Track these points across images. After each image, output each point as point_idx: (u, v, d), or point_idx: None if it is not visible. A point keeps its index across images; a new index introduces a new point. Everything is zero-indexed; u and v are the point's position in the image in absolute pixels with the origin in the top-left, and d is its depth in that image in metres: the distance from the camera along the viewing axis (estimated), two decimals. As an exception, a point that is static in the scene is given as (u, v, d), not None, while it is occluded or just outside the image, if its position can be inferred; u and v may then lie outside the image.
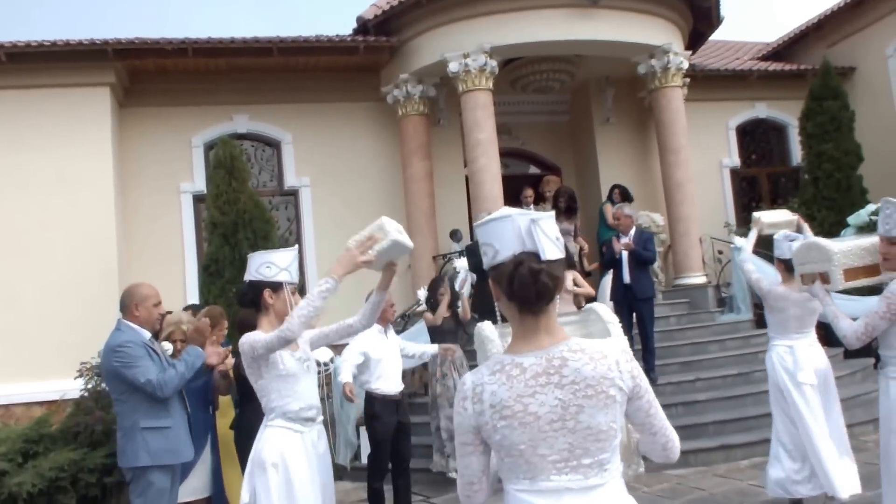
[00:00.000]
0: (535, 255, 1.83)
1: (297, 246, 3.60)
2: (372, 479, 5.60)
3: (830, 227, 10.38)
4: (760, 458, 6.67)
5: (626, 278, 7.90)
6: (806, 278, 3.89)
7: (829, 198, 10.62)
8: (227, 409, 5.52)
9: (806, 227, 5.70)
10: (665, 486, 6.09)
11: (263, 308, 3.42)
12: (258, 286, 3.41)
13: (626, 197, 10.58)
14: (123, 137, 9.87)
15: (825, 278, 3.69)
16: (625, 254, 7.91)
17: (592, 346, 1.85)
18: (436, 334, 6.83)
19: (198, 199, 10.07)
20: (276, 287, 3.41)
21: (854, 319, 3.61)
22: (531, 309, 1.85)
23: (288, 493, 3.25)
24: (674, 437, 1.97)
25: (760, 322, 9.72)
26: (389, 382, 5.68)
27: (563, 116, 12.66)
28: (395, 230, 3.26)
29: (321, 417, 3.54)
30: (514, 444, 1.81)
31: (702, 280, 10.31)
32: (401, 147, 10.57)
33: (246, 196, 8.02)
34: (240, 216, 7.83)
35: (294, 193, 10.62)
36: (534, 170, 13.00)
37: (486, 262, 1.92)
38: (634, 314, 7.88)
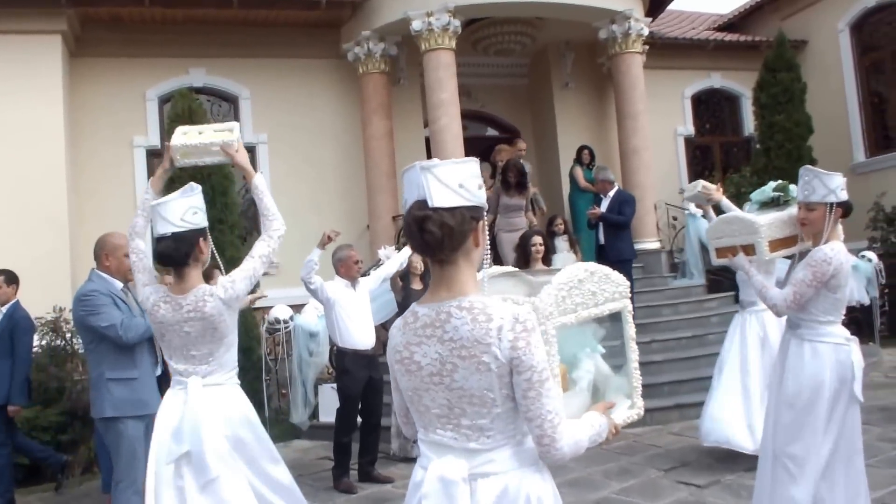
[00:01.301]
0: (424, 203, 1.74)
1: (198, 186, 3.13)
2: (340, 434, 5.55)
3: (780, 196, 10.61)
4: (713, 416, 6.88)
5: (601, 240, 7.93)
6: (722, 252, 3.91)
7: (780, 167, 10.76)
8: None
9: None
10: (622, 444, 6.18)
11: (194, 260, 2.99)
12: (191, 237, 2.96)
13: (592, 158, 10.63)
14: (75, 88, 9.37)
15: (749, 250, 3.73)
16: (607, 203, 7.89)
17: (484, 307, 1.74)
18: (401, 306, 6.43)
19: (151, 154, 9.70)
20: (205, 234, 3.05)
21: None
22: (434, 258, 1.79)
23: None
24: (555, 435, 1.74)
25: (712, 287, 9.95)
26: (360, 336, 5.61)
27: (523, 80, 12.55)
28: (180, 135, 3.33)
29: None
30: (405, 388, 1.85)
31: (656, 245, 10.43)
32: (361, 106, 10.34)
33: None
34: (198, 170, 7.53)
35: (251, 150, 10.28)
36: (492, 132, 12.92)
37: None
38: None
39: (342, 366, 5.60)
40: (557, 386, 1.85)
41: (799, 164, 10.66)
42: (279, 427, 7.43)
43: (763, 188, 5.52)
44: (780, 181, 4.41)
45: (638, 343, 7.98)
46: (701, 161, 13.10)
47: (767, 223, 3.73)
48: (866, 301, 9.43)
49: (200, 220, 3.01)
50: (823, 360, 3.33)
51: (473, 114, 12.25)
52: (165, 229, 2.93)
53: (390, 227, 9.94)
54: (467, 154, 9.69)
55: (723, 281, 10.01)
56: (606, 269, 2.23)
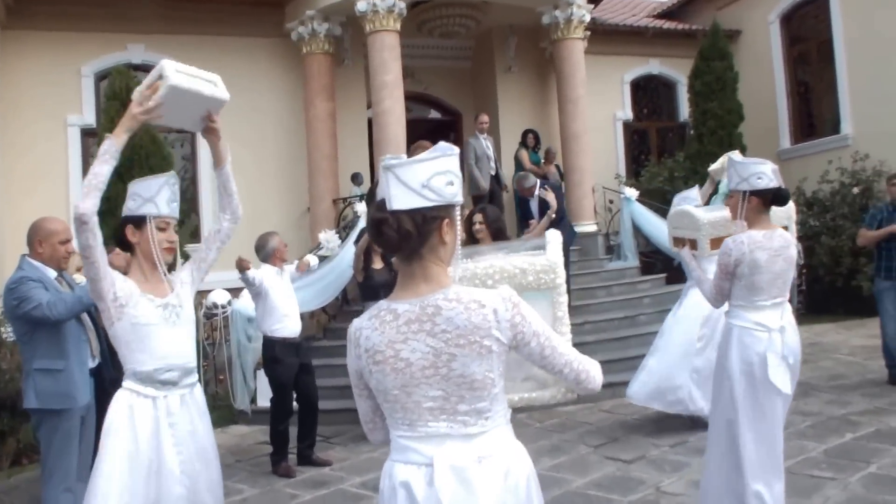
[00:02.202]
0: (383, 205, 1.75)
1: (172, 172, 2.92)
2: (276, 422, 5.56)
3: (712, 181, 10.94)
4: (643, 395, 7.12)
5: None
6: (677, 242, 4.03)
7: (712, 153, 11.02)
8: None
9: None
10: (555, 421, 6.37)
11: (129, 248, 2.82)
12: (121, 223, 2.80)
13: (537, 141, 10.76)
14: (5, 63, 8.99)
15: (694, 245, 3.83)
16: (535, 205, 7.94)
17: (470, 294, 1.79)
18: (368, 290, 6.28)
19: (86, 133, 9.39)
20: (140, 222, 2.76)
21: None
22: (401, 256, 1.80)
23: (123, 469, 2.61)
24: (588, 368, 1.88)
25: (645, 269, 10.22)
26: (289, 324, 5.60)
27: (467, 63, 12.57)
28: (175, 72, 2.60)
29: (191, 380, 2.88)
30: (388, 389, 1.80)
31: (593, 228, 10.63)
32: (304, 86, 10.22)
33: (142, 131, 7.51)
34: (136, 152, 7.33)
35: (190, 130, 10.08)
36: (436, 114, 12.94)
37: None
38: None
39: (272, 355, 5.58)
40: (556, 333, 1.91)
41: (730, 150, 11.14)
42: (217, 412, 7.35)
43: (686, 192, 5.75)
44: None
45: (572, 325, 8.20)
46: (638, 145, 13.38)
47: (711, 221, 3.85)
48: (784, 280, 9.85)
49: (137, 206, 2.79)
50: (731, 341, 3.49)
51: (417, 96, 12.23)
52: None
53: (331, 211, 9.92)
54: (409, 137, 9.73)
55: (655, 263, 10.32)
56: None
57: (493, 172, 9.86)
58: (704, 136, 11.22)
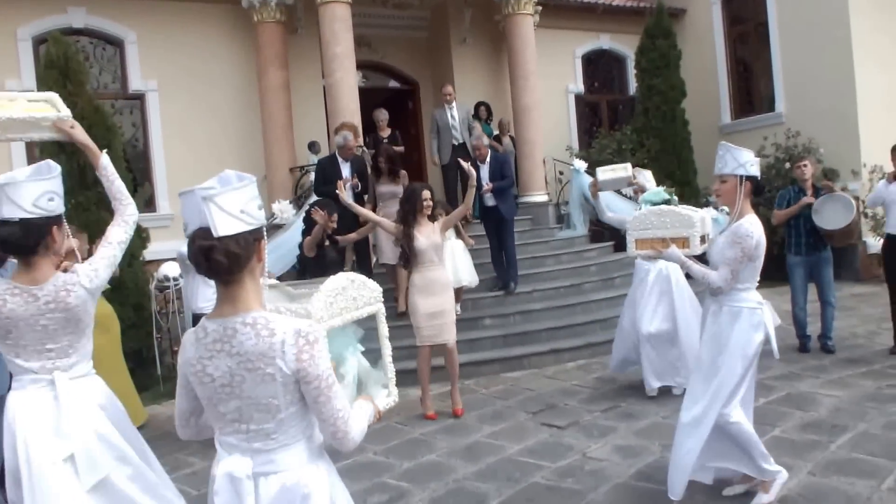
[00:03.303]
0: (208, 232, 1.79)
1: (58, 167, 2.72)
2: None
3: (657, 153, 11.06)
4: (585, 360, 7.26)
5: (489, 201, 8.00)
6: (643, 244, 3.99)
7: (657, 127, 11.24)
8: (111, 323, 5.20)
9: (643, 174, 6.03)
10: (500, 388, 6.46)
11: (44, 248, 2.61)
12: (43, 225, 2.57)
13: (489, 112, 10.69)
14: (-63, 24, 8.51)
15: (683, 243, 3.84)
16: (485, 178, 7.92)
17: (267, 322, 1.83)
18: (318, 268, 5.94)
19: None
20: (60, 221, 2.65)
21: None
22: (221, 280, 1.85)
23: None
24: (347, 429, 1.90)
25: (595, 237, 10.31)
26: (213, 300, 5.56)
27: (423, 33, 12.39)
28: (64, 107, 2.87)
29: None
30: (201, 397, 1.92)
31: (543, 199, 10.69)
32: (256, 55, 9.95)
33: (84, 101, 7.17)
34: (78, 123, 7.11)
35: (140, 97, 9.76)
36: (394, 84, 12.77)
37: (186, 236, 1.89)
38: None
39: None
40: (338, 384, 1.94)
41: (673, 125, 11.27)
42: (172, 383, 7.30)
43: (657, 190, 5.80)
44: (670, 188, 4.59)
45: (520, 293, 8.40)
46: (589, 118, 13.42)
47: (701, 218, 3.89)
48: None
49: (56, 206, 2.62)
50: (742, 322, 3.56)
51: (375, 65, 12.07)
52: (13, 214, 2.52)
53: (287, 180, 9.78)
54: (365, 105, 9.61)
55: (604, 232, 10.42)
56: (363, 278, 2.40)
57: (455, 143, 9.71)
58: (650, 111, 11.31)
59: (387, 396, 2.43)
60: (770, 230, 10.53)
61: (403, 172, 7.97)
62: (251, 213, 1.84)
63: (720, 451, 3.71)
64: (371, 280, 2.42)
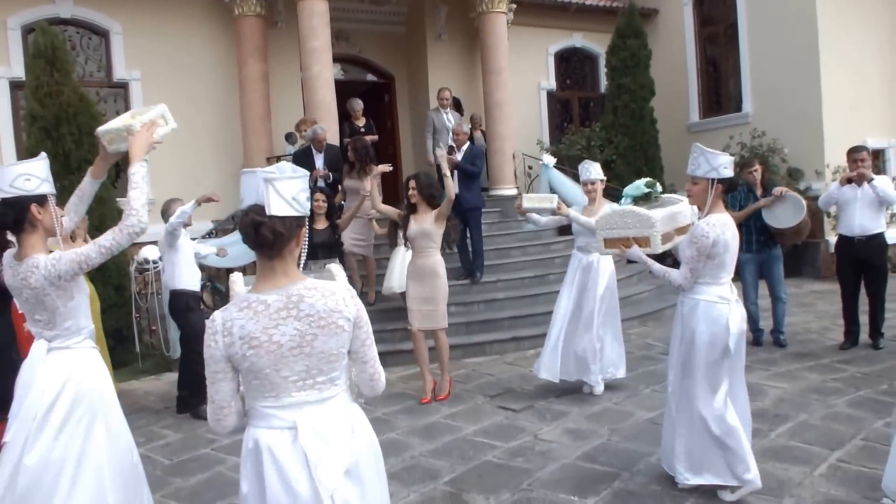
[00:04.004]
0: (262, 209, 2.01)
1: (43, 153, 2.94)
2: (199, 367, 5.71)
3: (625, 150, 11.31)
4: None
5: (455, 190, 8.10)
6: (611, 243, 4.05)
7: (625, 125, 11.49)
8: (91, 301, 5.33)
9: (593, 167, 6.16)
10: (461, 372, 6.67)
11: (30, 226, 2.80)
12: (21, 203, 2.76)
13: (458, 107, 10.81)
14: (-73, 13, 8.61)
15: (645, 243, 3.90)
16: (459, 157, 8.05)
17: (324, 285, 2.08)
18: (307, 249, 6.39)
19: (16, 86, 9.08)
20: (42, 200, 2.82)
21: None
22: (267, 254, 2.04)
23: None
24: (381, 372, 2.24)
25: (561, 230, 10.48)
26: (195, 279, 6.00)
27: (400, 28, 12.53)
28: (172, 120, 3.15)
29: None
30: (261, 368, 2.01)
31: (513, 192, 10.88)
32: (237, 48, 10.08)
33: (69, 89, 7.34)
34: (62, 110, 7.23)
35: (124, 86, 9.87)
36: (371, 77, 12.92)
37: (241, 209, 2.10)
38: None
39: (185, 305, 5.87)
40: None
41: (641, 123, 11.51)
42: (150, 360, 7.51)
43: (637, 183, 5.87)
44: (649, 179, 4.66)
45: (485, 282, 8.52)
46: (561, 114, 13.63)
47: (661, 218, 4.01)
48: (685, 247, 10.34)
49: (34, 186, 2.79)
50: (698, 315, 3.69)
51: (352, 59, 12.21)
52: None
53: (264, 168, 9.90)
54: (342, 96, 9.75)
55: (570, 224, 10.63)
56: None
57: (452, 143, 9.79)
58: (619, 109, 11.56)
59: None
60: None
61: (376, 169, 8.00)
62: (300, 202, 2.06)
63: (701, 461, 3.74)
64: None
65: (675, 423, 3.83)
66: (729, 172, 3.65)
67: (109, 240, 2.80)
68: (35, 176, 2.83)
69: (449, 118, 9.78)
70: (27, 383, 2.79)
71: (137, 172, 2.85)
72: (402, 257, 7.08)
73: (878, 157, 11.68)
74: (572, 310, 5.82)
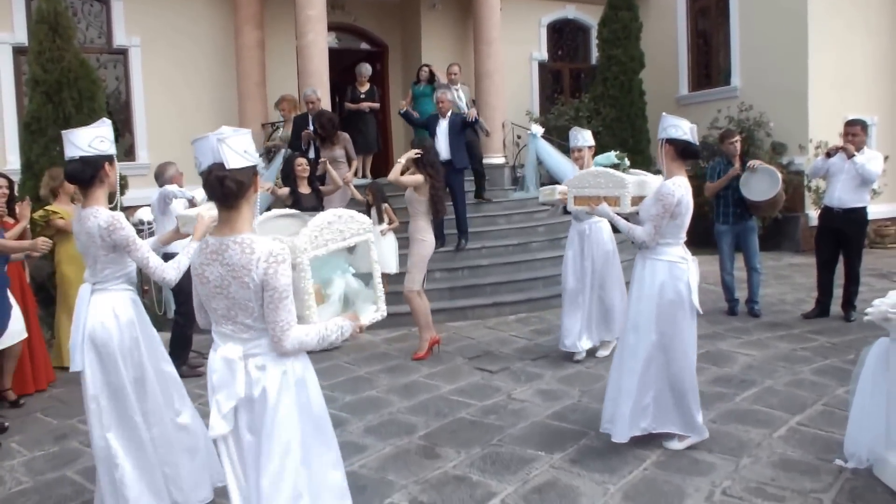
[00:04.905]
0: (222, 165, 2.30)
1: (106, 119, 3.29)
2: (186, 328, 5.87)
3: (612, 122, 11.34)
4: (525, 313, 7.64)
5: (444, 155, 8.01)
6: (581, 200, 4.21)
7: (614, 96, 11.51)
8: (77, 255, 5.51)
9: (582, 133, 6.20)
10: (443, 336, 6.72)
11: (99, 181, 3.19)
12: (97, 161, 3.15)
13: (432, 79, 10.73)
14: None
15: (614, 202, 4.06)
16: (441, 131, 8.09)
17: (251, 242, 2.30)
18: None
19: (18, 51, 9.08)
20: (112, 160, 3.25)
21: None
22: (225, 205, 2.34)
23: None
24: (282, 337, 2.32)
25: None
26: (185, 242, 5.98)
27: (394, -3, 12.46)
28: None
29: None
30: (200, 294, 2.44)
31: (501, 161, 10.96)
32: (234, 15, 10.06)
33: (71, 54, 7.37)
34: (64, 75, 7.27)
35: (124, 52, 9.88)
36: (365, 46, 12.86)
37: (198, 171, 2.35)
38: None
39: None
40: (293, 304, 2.36)
41: (629, 95, 11.53)
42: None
43: (608, 154, 5.98)
44: (620, 152, 4.76)
45: (469, 249, 8.55)
46: (552, 84, 13.61)
47: (633, 182, 4.15)
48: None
49: (106, 147, 3.18)
50: (659, 275, 3.81)
51: (346, 27, 12.15)
52: (73, 153, 3.13)
53: (260, 135, 9.94)
54: (338, 66, 9.77)
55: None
56: (351, 212, 2.74)
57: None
58: (608, 80, 11.55)
59: (374, 312, 2.80)
60: (700, 201, 11.08)
61: (344, 135, 7.85)
62: (251, 153, 2.37)
63: (666, 413, 3.92)
64: (360, 214, 2.77)
65: (640, 378, 3.90)
66: (677, 134, 3.77)
67: (150, 259, 3.27)
68: (107, 138, 3.22)
69: (460, 95, 9.58)
70: (78, 315, 3.22)
71: (191, 248, 3.29)
72: (386, 238, 7.06)
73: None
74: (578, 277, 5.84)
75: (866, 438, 3.47)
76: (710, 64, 13.01)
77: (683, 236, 3.87)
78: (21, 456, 4.33)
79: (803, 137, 11.00)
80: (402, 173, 5.82)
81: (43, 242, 4.78)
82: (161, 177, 5.97)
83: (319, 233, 2.54)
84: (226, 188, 2.28)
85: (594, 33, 13.09)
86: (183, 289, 5.90)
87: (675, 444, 3.97)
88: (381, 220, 7.07)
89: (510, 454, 4.02)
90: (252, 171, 2.37)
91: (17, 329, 5.01)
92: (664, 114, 3.94)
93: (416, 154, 5.80)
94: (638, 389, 3.88)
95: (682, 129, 3.79)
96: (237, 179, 2.30)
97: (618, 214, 4.12)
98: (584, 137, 5.89)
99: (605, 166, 5.20)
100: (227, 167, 2.29)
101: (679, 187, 3.72)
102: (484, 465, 3.88)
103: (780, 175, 6.91)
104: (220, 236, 2.34)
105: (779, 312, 7.25)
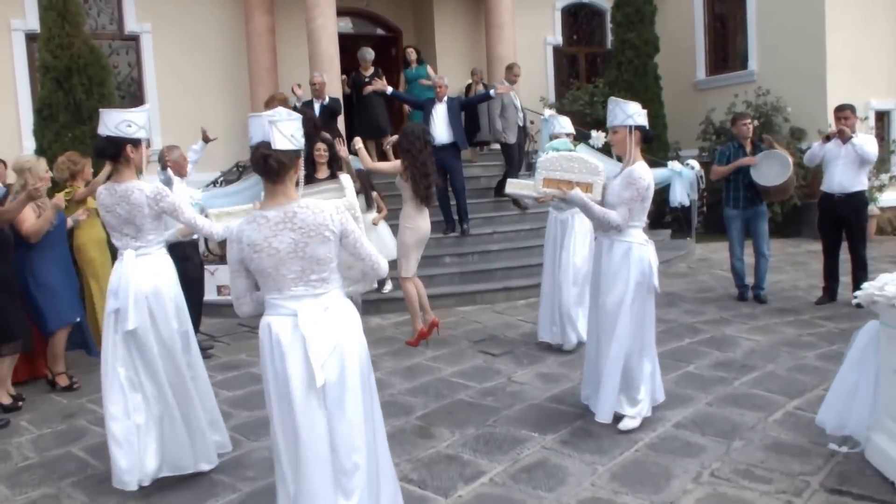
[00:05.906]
0: (269, 144, 2.54)
1: (147, 105, 3.75)
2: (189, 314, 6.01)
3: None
4: (534, 298, 7.58)
5: (442, 139, 8.06)
6: (551, 183, 4.10)
7: (628, 81, 11.42)
8: (100, 237, 5.68)
9: (558, 119, 6.21)
10: (451, 320, 6.89)
11: (124, 160, 3.54)
12: (119, 142, 3.50)
13: (419, 59, 10.71)
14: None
15: (586, 188, 4.01)
16: (438, 115, 8.13)
17: (314, 205, 2.57)
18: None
19: (31, 38, 9.26)
20: (136, 143, 3.56)
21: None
22: (273, 180, 2.58)
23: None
24: (378, 261, 2.71)
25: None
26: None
27: (407, -19, 12.48)
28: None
29: None
30: (264, 268, 2.57)
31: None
32: (244, 0, 10.14)
33: (80, 41, 7.51)
34: (74, 61, 7.41)
35: (135, 39, 10.03)
36: (380, 31, 12.90)
37: (251, 146, 2.60)
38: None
39: (182, 255, 5.93)
40: (367, 241, 2.73)
41: (644, 80, 11.45)
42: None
43: (564, 141, 5.97)
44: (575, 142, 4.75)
45: (480, 234, 8.60)
46: (567, 69, 13.55)
47: (604, 170, 4.15)
48: (687, 203, 10.33)
49: (132, 131, 3.50)
50: (632, 258, 3.92)
51: (360, 12, 12.20)
52: (102, 131, 3.52)
53: (271, 119, 10.07)
54: (350, 49, 9.82)
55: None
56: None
57: (520, 123, 9.61)
58: (623, 65, 11.48)
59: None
60: (716, 187, 10.98)
61: (325, 136, 7.28)
62: (297, 138, 2.61)
63: (638, 391, 4.07)
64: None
65: (626, 358, 4.00)
66: (642, 120, 3.92)
67: (197, 219, 3.66)
68: (135, 123, 3.53)
69: (515, 95, 9.40)
70: (120, 278, 3.53)
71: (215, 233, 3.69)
72: (381, 225, 7.11)
73: (881, 118, 11.57)
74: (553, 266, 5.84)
75: (853, 420, 3.48)
76: (727, 48, 12.86)
77: (646, 219, 4.02)
78: (29, 433, 4.48)
79: (822, 123, 10.77)
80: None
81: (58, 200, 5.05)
82: (164, 160, 6.05)
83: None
84: (268, 165, 2.53)
85: (608, 17, 13.03)
86: (189, 275, 6.06)
87: (632, 424, 4.04)
88: (369, 208, 7.06)
89: (503, 435, 4.08)
90: (295, 154, 2.60)
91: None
92: (622, 101, 3.99)
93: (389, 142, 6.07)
94: (608, 370, 4.01)
95: (644, 115, 3.96)
96: (279, 160, 2.53)
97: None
98: (560, 124, 5.87)
99: (560, 151, 5.10)
100: (272, 147, 2.52)
101: (647, 172, 3.90)
102: (476, 445, 3.95)
103: (791, 160, 6.86)
104: (276, 206, 2.55)
105: (790, 298, 7.22)
